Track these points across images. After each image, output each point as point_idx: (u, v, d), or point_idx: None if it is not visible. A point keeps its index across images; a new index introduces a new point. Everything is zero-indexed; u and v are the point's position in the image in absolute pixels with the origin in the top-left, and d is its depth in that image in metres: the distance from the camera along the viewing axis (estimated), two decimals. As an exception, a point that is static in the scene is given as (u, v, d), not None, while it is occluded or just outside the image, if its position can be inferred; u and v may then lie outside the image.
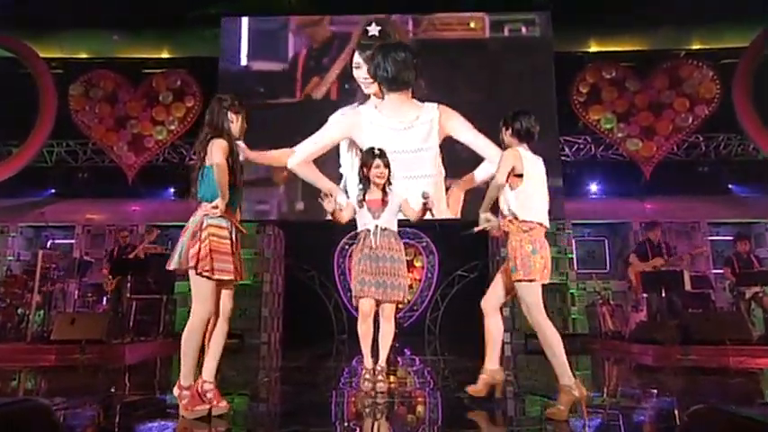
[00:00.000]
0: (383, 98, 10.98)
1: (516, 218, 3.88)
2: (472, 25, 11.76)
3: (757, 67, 11.30)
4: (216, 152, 3.59)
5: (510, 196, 3.92)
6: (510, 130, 4.10)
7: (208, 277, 3.56)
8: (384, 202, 4.69)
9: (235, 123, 3.84)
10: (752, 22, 11.34)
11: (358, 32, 11.59)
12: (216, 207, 3.60)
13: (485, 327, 4.31)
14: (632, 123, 11.69)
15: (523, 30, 11.69)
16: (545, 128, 10.68)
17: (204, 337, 3.69)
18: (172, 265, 3.68)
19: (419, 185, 4.56)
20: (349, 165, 10.67)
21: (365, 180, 4.74)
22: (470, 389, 4.21)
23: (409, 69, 10.94)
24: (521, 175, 3.91)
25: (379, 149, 4.78)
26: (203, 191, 3.70)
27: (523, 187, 3.90)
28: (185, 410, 3.55)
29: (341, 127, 10.86)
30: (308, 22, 11.80)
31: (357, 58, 11.44)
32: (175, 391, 3.61)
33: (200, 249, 3.55)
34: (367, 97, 11.21)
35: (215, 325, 3.75)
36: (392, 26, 11.63)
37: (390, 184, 4.78)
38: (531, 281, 3.80)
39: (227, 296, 3.78)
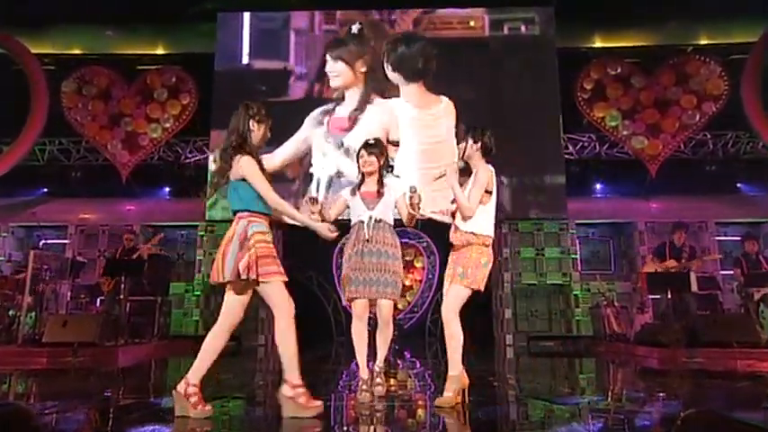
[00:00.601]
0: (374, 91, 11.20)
1: (476, 233, 4.17)
2: (472, 24, 11.74)
3: (766, 62, 11.12)
4: (249, 173, 3.69)
5: (478, 211, 4.16)
6: (478, 144, 4.28)
7: (268, 281, 3.65)
8: (379, 194, 4.51)
9: (256, 132, 3.86)
10: (761, 16, 11.14)
11: (344, 29, 11.70)
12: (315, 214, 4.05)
13: (446, 334, 4.40)
14: (638, 121, 11.51)
15: (523, 28, 11.65)
16: (548, 125, 10.79)
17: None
18: (221, 277, 3.63)
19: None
20: (320, 165, 10.95)
21: (360, 172, 4.64)
22: (439, 401, 4.14)
23: (432, 59, 11.25)
24: (490, 192, 4.21)
25: (375, 139, 4.68)
26: (237, 203, 3.76)
27: (491, 204, 4.23)
28: (305, 406, 3.61)
29: (380, 122, 10.95)
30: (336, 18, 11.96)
31: (327, 54, 11.56)
32: (287, 390, 3.62)
33: (252, 258, 3.60)
34: (342, 94, 11.31)
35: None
36: (371, 26, 11.67)
37: (391, 170, 4.61)
38: (471, 289, 4.20)
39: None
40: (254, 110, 3.86)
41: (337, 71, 11.38)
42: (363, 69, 11.36)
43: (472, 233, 4.16)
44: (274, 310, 3.72)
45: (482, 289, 4.24)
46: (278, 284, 3.70)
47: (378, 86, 11.30)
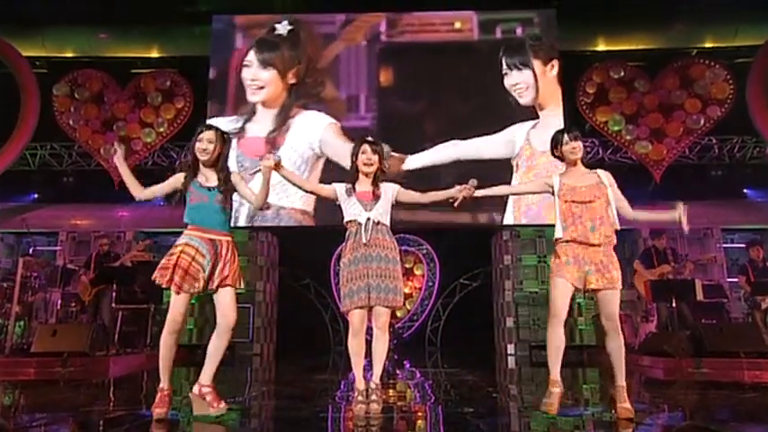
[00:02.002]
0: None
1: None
2: (458, 26, 11.07)
3: (773, 65, 10.94)
4: None
5: (611, 211, 4.10)
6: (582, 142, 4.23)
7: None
8: (375, 195, 4.33)
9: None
10: (767, 19, 11.06)
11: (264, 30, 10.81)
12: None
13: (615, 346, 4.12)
14: (641, 125, 11.30)
15: (519, 30, 11.08)
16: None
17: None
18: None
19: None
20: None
21: (354, 170, 4.42)
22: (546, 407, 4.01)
23: None
24: None
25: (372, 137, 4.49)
26: None
27: None
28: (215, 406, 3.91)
29: (306, 139, 10.18)
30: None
31: (251, 57, 10.54)
32: (196, 389, 3.94)
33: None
34: (251, 108, 10.46)
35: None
36: (304, 28, 10.84)
37: (384, 173, 4.42)
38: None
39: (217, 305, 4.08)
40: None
41: (263, 81, 10.32)
42: (293, 81, 10.37)
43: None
44: (218, 317, 4.04)
45: None
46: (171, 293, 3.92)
47: (302, 102, 10.36)
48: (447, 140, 10.29)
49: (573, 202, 4.06)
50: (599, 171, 4.20)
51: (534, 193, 4.52)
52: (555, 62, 10.65)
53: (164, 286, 3.81)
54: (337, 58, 10.87)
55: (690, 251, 10.90)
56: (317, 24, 11.01)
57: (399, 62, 10.84)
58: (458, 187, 4.26)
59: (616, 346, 4.03)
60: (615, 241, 4.03)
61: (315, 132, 10.11)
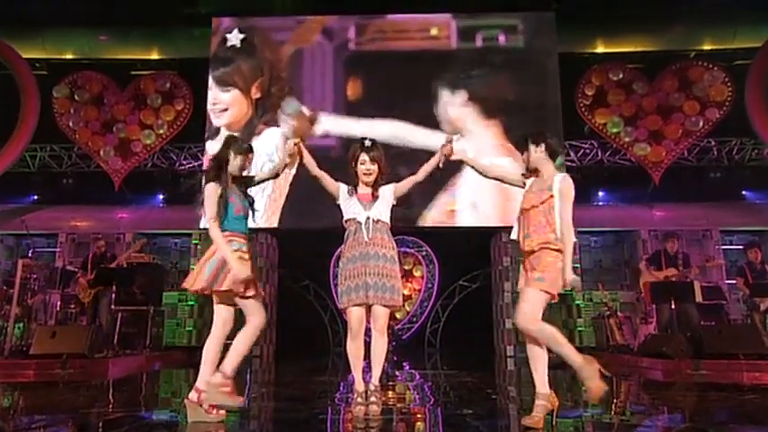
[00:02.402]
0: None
1: (557, 239, 3.85)
2: (434, 33, 10.35)
3: (771, 67, 10.93)
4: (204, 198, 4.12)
5: (556, 217, 3.88)
6: (542, 146, 4.04)
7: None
8: (374, 197, 4.29)
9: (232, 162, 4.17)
10: (765, 21, 11.06)
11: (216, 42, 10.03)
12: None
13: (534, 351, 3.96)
14: (640, 127, 11.31)
15: (501, 38, 10.58)
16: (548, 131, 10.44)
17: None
18: (195, 285, 4.02)
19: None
20: None
21: (353, 175, 4.35)
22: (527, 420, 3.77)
23: None
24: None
25: (371, 140, 4.35)
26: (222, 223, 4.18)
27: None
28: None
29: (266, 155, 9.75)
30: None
31: (212, 78, 9.83)
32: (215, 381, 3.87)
33: (226, 272, 3.95)
34: (214, 130, 9.79)
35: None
36: (258, 34, 10.32)
37: (384, 175, 4.34)
38: (548, 293, 3.86)
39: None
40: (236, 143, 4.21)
41: (226, 103, 9.63)
42: (258, 95, 9.71)
43: (555, 239, 3.85)
44: (249, 319, 3.98)
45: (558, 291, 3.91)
46: (251, 300, 3.96)
47: (268, 117, 9.64)
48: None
49: (521, 209, 4.05)
50: (558, 176, 3.96)
51: (510, 181, 4.27)
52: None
53: (247, 295, 3.91)
54: (301, 71, 10.26)
55: (689, 253, 10.91)
56: (273, 31, 10.49)
57: (369, 73, 10.21)
58: (439, 148, 4.25)
59: (536, 332, 3.83)
60: (557, 246, 3.82)
61: (272, 143, 9.73)
